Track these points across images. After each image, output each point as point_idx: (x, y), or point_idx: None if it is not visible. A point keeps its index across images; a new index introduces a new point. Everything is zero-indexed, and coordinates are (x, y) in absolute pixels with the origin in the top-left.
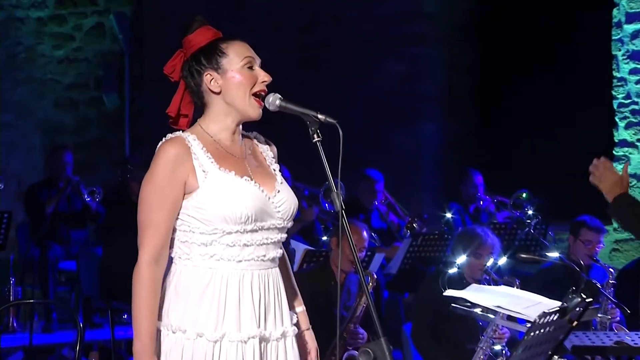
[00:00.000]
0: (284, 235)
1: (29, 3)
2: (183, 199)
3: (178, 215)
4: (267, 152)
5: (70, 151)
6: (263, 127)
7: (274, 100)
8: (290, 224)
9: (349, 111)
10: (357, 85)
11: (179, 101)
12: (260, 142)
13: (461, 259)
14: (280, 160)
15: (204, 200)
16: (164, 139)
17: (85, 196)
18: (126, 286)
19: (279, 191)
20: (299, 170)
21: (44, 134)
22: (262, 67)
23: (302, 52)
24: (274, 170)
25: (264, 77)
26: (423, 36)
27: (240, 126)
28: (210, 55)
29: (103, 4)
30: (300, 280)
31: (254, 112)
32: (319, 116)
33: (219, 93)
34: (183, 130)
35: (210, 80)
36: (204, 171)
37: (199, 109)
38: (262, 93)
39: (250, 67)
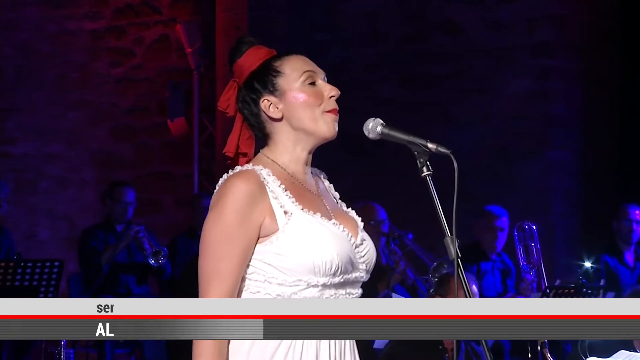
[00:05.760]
0: (361, 292)
1: (82, 14)
2: (256, 244)
3: (249, 262)
4: (332, 191)
5: (132, 189)
6: (354, 156)
7: (375, 127)
8: (367, 277)
9: (465, 138)
10: (473, 106)
11: (236, 138)
12: (323, 178)
13: None
14: (375, 197)
15: (287, 246)
16: (231, 172)
17: (149, 259)
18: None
19: (364, 239)
20: (400, 210)
21: (99, 167)
22: (356, 85)
23: (406, 67)
24: (348, 212)
25: (330, 91)
26: (553, 45)
27: (311, 156)
28: (264, 77)
29: (168, 12)
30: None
31: (328, 130)
32: (429, 145)
33: (281, 119)
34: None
35: (268, 106)
36: (285, 212)
37: (261, 141)
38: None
39: (313, 83)
